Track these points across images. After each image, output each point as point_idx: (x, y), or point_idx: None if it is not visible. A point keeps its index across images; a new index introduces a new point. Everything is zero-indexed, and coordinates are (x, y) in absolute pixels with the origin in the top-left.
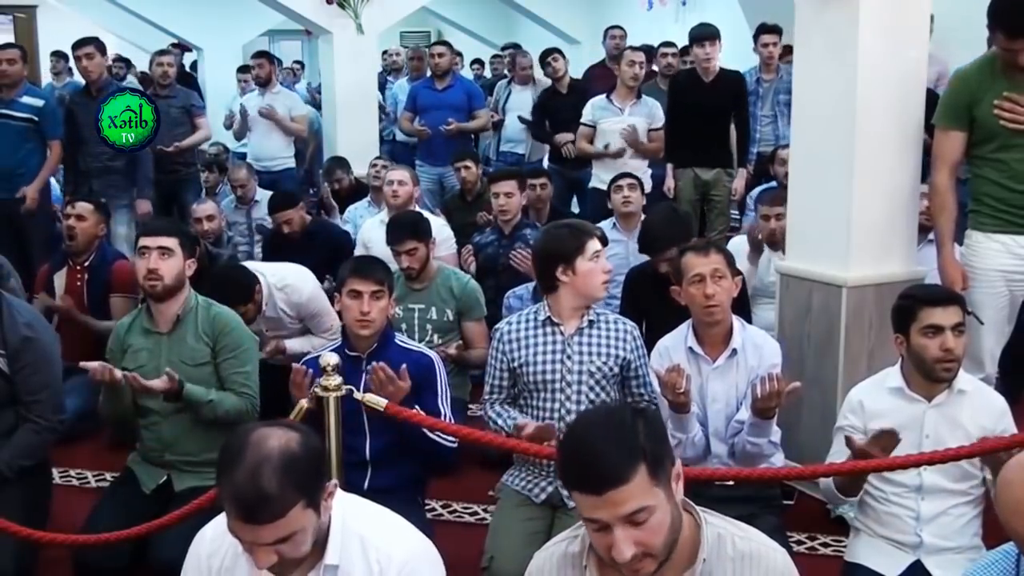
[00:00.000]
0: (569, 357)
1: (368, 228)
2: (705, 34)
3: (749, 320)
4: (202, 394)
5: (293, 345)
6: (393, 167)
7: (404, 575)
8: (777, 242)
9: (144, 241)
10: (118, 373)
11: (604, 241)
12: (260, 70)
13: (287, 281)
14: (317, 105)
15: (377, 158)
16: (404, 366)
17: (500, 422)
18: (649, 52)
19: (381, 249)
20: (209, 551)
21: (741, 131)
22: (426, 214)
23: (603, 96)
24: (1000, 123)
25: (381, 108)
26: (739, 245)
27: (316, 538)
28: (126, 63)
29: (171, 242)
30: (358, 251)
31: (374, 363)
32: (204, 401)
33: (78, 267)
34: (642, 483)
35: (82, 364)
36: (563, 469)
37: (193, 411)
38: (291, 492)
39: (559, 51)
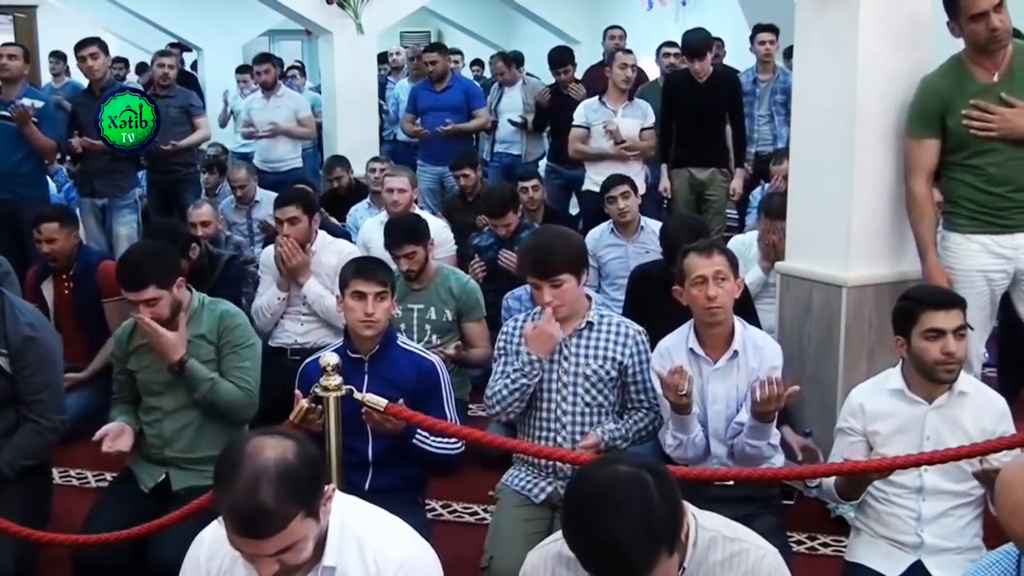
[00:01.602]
0: (566, 359)
1: (368, 228)
2: (694, 50)
3: (757, 323)
4: (204, 372)
5: (313, 284)
6: (391, 172)
7: None
8: (778, 256)
9: (129, 296)
10: (126, 445)
11: (570, 268)
12: (267, 75)
13: (340, 241)
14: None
15: (375, 159)
16: (401, 400)
17: (507, 375)
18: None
19: (381, 249)
20: (208, 555)
21: (737, 130)
22: (426, 215)
23: (595, 98)
24: (971, 132)
25: (381, 108)
26: (739, 245)
27: (315, 541)
28: (131, 65)
29: (153, 291)
30: (359, 251)
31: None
32: (205, 378)
33: (63, 276)
34: (662, 564)
35: (96, 437)
36: (581, 556)
37: (192, 388)
38: (290, 504)
39: (572, 62)
